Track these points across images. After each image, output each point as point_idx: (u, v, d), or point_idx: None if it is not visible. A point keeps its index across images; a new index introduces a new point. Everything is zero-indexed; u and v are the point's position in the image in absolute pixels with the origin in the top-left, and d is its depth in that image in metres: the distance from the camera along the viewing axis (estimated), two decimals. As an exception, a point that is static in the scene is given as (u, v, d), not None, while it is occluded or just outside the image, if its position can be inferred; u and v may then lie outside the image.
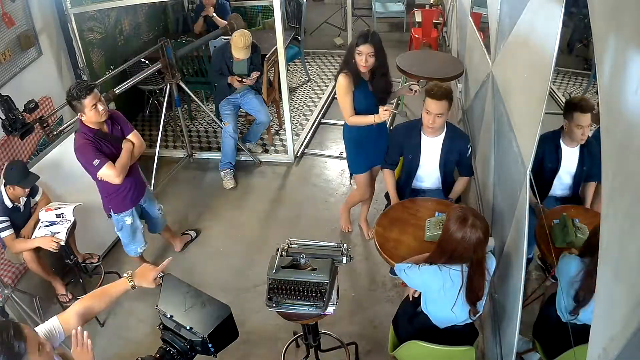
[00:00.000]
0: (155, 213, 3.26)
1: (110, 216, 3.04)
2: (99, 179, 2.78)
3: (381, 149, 3.13)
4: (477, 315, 2.20)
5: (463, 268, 2.07)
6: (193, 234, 3.82)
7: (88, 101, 2.59)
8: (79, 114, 2.68)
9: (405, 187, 3.07)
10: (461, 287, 2.09)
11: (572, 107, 2.71)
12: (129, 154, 2.83)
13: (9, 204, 2.84)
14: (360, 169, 3.29)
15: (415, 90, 2.98)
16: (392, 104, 3.48)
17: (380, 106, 2.83)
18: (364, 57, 2.81)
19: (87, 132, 2.71)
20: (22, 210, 2.95)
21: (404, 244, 2.56)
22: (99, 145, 2.73)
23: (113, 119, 2.83)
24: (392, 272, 3.30)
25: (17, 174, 2.81)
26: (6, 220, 2.84)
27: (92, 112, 2.63)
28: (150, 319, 3.17)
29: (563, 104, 2.84)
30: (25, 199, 2.95)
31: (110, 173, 2.71)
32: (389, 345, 2.47)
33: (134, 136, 2.90)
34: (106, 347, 3.01)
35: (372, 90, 2.96)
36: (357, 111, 2.96)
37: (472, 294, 2.10)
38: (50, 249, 2.88)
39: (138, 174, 3.07)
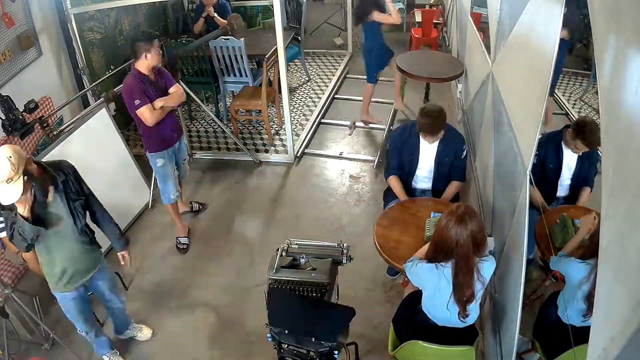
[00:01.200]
0: (179, 161, 3.56)
1: (145, 156, 3.38)
2: (137, 117, 3.13)
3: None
4: (469, 319, 2.18)
5: (448, 267, 2.08)
6: (196, 206, 4.03)
7: (157, 43, 3.06)
8: (139, 56, 3.02)
9: (405, 188, 3.08)
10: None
11: (579, 131, 2.69)
12: (166, 109, 3.18)
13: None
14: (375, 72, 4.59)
15: None
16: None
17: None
18: None
19: (137, 75, 3.08)
20: None
21: (404, 244, 2.56)
22: (145, 89, 3.07)
23: (160, 72, 3.21)
24: (389, 272, 3.31)
25: None
26: (2, 222, 2.82)
27: (156, 54, 3.05)
28: (150, 319, 3.18)
29: (566, 104, 2.84)
30: None
31: (146, 115, 3.07)
32: (389, 345, 2.47)
33: (175, 87, 3.25)
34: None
35: None
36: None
37: (459, 292, 2.09)
38: None
39: (175, 121, 3.39)
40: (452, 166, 2.99)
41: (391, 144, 3.06)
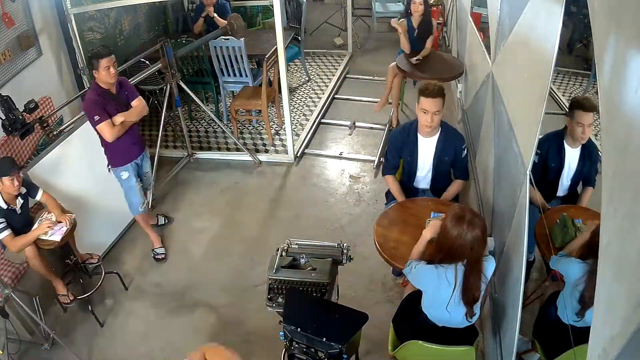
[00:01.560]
0: (142, 173, 3.55)
1: (109, 170, 3.35)
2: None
3: None
4: (474, 318, 2.19)
5: (458, 267, 2.08)
6: (162, 220, 3.93)
7: (105, 62, 2.96)
8: (94, 71, 3.01)
9: (407, 189, 3.07)
10: (455, 287, 2.09)
11: (575, 105, 2.73)
12: (127, 124, 3.16)
13: (3, 205, 2.82)
14: None
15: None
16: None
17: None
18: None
19: (97, 89, 3.06)
20: (19, 213, 2.91)
21: (404, 244, 2.56)
22: (105, 104, 3.05)
23: (121, 84, 3.18)
24: (394, 272, 3.31)
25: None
26: (2, 222, 2.83)
27: (105, 73, 2.99)
28: (150, 319, 3.18)
29: (566, 104, 2.86)
30: (22, 200, 2.93)
31: (106, 131, 3.05)
32: (389, 345, 2.47)
33: (137, 101, 3.23)
34: (106, 347, 3.01)
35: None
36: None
37: (468, 293, 2.09)
38: (47, 230, 2.89)
39: (135, 133, 3.35)
40: (454, 166, 2.98)
41: (391, 142, 3.06)
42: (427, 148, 2.93)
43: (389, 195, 3.19)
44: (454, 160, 2.95)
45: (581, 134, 2.73)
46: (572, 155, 2.86)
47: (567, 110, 2.80)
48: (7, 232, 2.82)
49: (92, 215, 3.46)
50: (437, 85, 2.78)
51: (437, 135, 2.90)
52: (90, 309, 3.11)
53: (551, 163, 2.86)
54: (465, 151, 2.95)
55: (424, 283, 2.18)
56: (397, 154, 3.01)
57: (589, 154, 2.84)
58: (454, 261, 2.08)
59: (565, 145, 2.84)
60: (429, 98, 2.72)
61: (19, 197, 2.90)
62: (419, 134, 2.91)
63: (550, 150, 2.84)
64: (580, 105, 2.70)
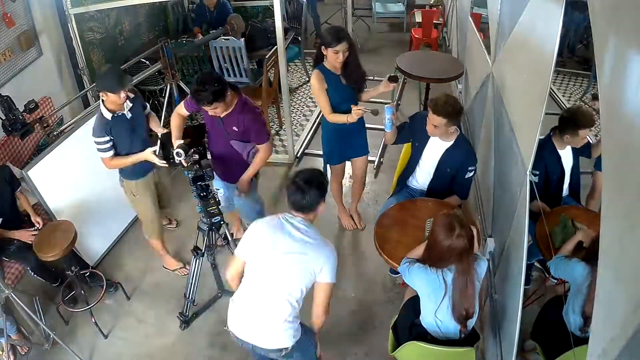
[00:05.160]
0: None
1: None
2: None
3: (359, 143, 3.37)
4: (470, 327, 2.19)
5: (448, 272, 2.10)
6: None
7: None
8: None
9: (406, 180, 3.08)
10: (445, 292, 2.09)
11: (576, 124, 2.68)
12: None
13: (107, 115, 2.71)
14: (334, 160, 3.42)
15: (393, 81, 3.04)
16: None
17: (352, 106, 2.96)
18: (340, 55, 2.90)
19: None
20: (128, 117, 2.79)
21: (404, 245, 2.55)
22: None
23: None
24: (392, 271, 3.30)
25: (107, 79, 2.69)
26: (107, 141, 2.74)
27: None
28: (150, 320, 3.18)
29: (566, 105, 2.85)
30: (130, 104, 2.79)
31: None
32: (389, 346, 2.46)
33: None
34: (106, 347, 3.01)
35: (346, 82, 3.06)
36: (335, 104, 3.06)
37: (459, 308, 2.09)
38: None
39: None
40: (453, 181, 2.90)
41: (411, 122, 2.99)
42: (436, 148, 2.88)
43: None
44: (456, 175, 2.87)
45: (582, 141, 2.75)
46: (566, 156, 2.87)
47: (563, 127, 2.75)
48: (110, 153, 2.80)
49: (92, 216, 3.45)
50: (448, 102, 2.67)
51: (451, 142, 2.83)
52: (94, 320, 3.04)
53: (552, 176, 2.86)
54: (472, 173, 2.85)
55: (417, 283, 2.17)
56: (409, 135, 3.00)
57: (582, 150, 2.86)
58: (443, 266, 2.11)
59: (559, 151, 2.83)
60: (432, 112, 2.69)
61: (127, 102, 2.77)
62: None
63: (548, 163, 2.80)
64: (581, 123, 2.66)
